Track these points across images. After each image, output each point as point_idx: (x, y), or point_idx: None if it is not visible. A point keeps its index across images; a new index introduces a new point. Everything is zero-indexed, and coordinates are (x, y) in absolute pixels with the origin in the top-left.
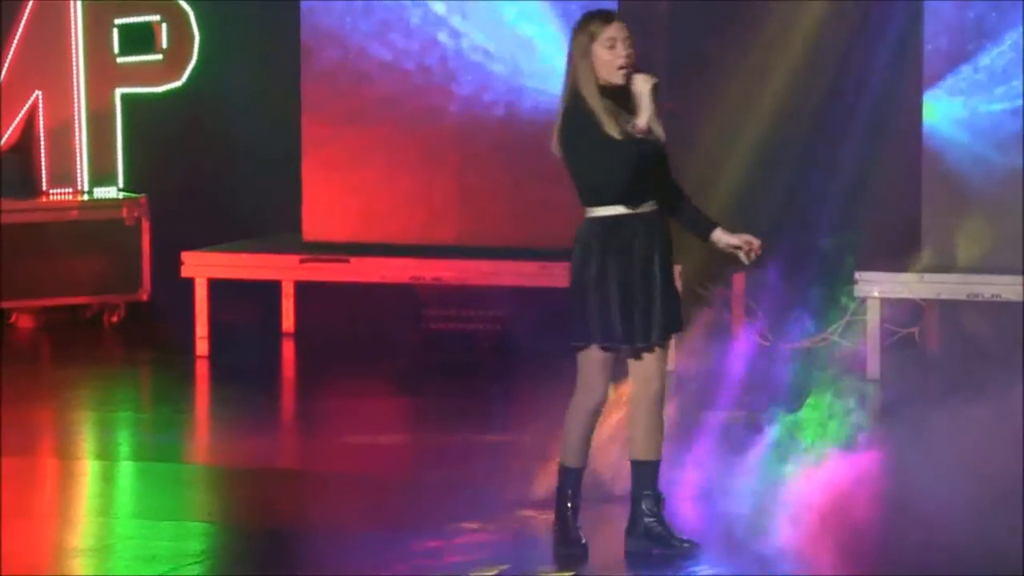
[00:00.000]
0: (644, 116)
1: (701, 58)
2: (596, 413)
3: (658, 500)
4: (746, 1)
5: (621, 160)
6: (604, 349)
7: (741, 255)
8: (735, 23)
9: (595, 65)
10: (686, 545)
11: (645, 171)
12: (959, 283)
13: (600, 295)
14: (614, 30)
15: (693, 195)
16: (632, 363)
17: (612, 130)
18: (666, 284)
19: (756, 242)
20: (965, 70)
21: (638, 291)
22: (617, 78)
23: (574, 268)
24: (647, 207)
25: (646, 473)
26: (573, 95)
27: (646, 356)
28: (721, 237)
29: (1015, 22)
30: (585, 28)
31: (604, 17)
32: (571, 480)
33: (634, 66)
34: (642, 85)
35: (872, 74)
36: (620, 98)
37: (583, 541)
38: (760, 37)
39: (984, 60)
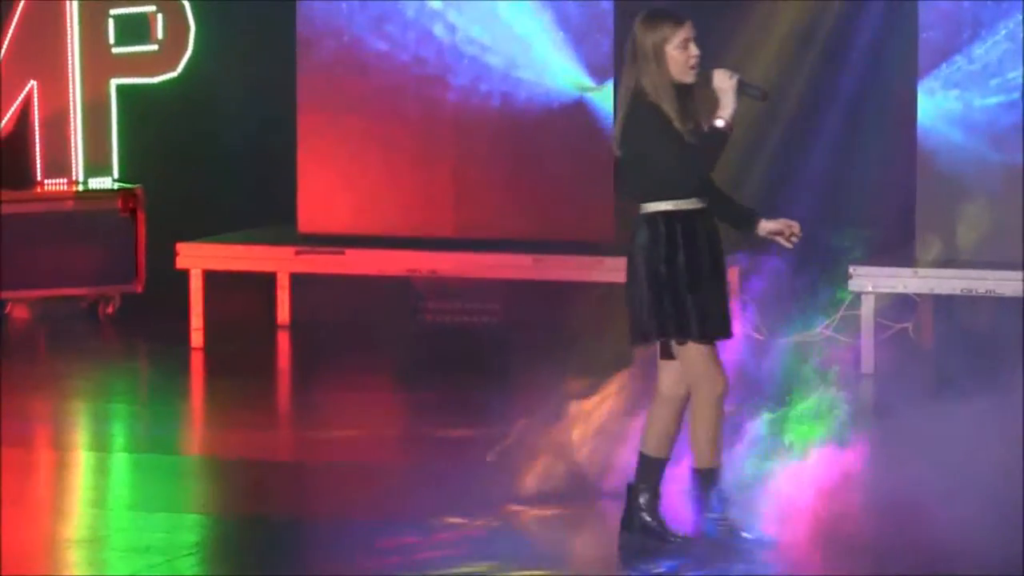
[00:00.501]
0: (728, 111)
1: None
2: (720, 404)
3: (657, 496)
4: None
5: (703, 155)
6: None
7: (782, 240)
8: (724, 19)
9: (669, 66)
10: (679, 539)
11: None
12: (954, 278)
13: (679, 290)
14: (687, 31)
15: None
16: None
17: (683, 128)
18: (724, 281)
19: (795, 225)
20: (959, 60)
21: (707, 284)
22: (688, 77)
23: (648, 263)
24: (704, 203)
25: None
26: (638, 93)
27: (713, 349)
28: (764, 225)
29: (1010, 11)
30: (656, 29)
31: (676, 19)
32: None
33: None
34: (724, 81)
35: (866, 67)
36: (684, 96)
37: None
38: (748, 32)
39: (978, 50)
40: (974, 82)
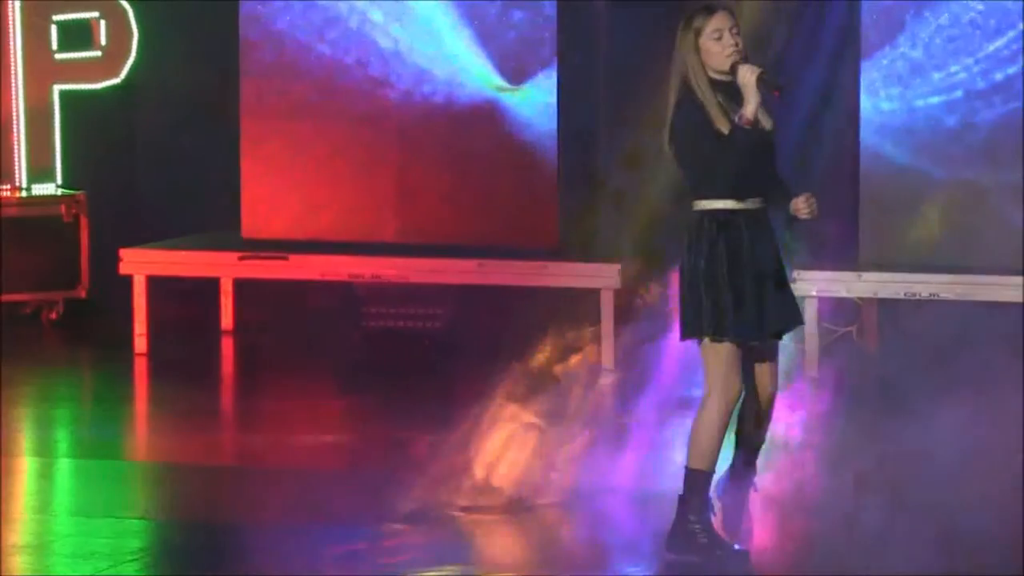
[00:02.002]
0: (750, 107)
1: (639, 58)
2: (728, 410)
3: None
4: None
5: (730, 153)
6: (736, 344)
7: (806, 214)
8: (670, 21)
9: (705, 59)
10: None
11: (755, 164)
12: (897, 282)
13: (715, 288)
14: (718, 20)
15: (635, 197)
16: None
17: (722, 124)
18: (778, 281)
19: (812, 198)
20: (900, 54)
21: (748, 287)
22: (728, 68)
23: (688, 261)
24: (755, 203)
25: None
26: (682, 90)
27: (764, 350)
28: (793, 206)
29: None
30: (690, 24)
31: (707, 9)
32: (706, 484)
33: (743, 54)
34: (747, 76)
35: (809, 69)
36: (732, 90)
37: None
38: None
39: (918, 48)
40: (916, 74)
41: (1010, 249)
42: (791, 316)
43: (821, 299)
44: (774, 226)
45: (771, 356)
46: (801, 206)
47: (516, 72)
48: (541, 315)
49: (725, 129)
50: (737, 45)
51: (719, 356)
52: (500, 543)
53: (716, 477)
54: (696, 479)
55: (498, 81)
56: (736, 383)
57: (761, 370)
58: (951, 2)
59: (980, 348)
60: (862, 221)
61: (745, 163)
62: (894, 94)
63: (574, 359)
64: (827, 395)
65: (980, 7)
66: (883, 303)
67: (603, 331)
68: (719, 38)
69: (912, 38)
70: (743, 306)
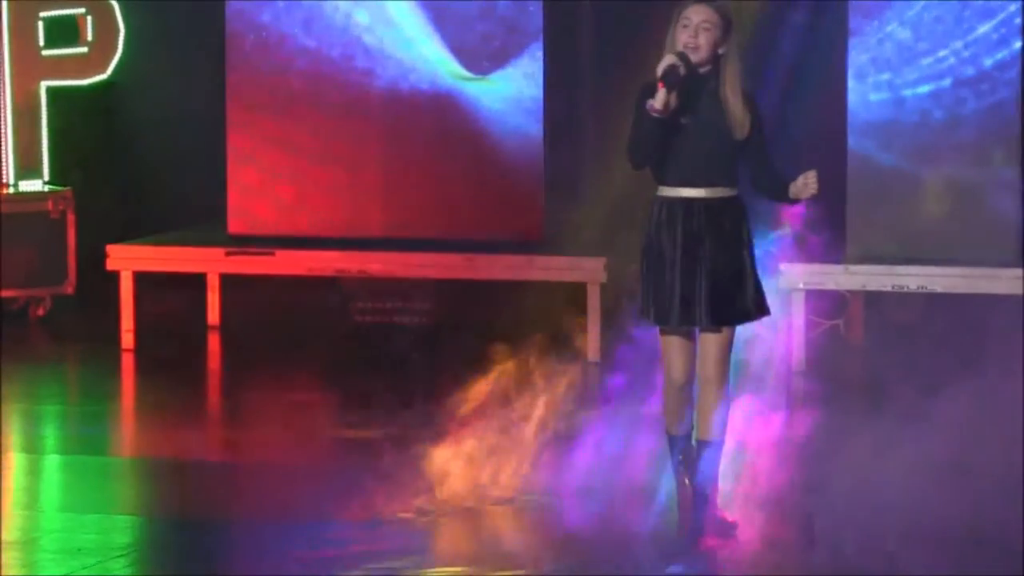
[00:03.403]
0: (657, 98)
1: (625, 50)
2: (683, 389)
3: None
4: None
5: (637, 137)
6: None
7: (808, 192)
8: (656, 13)
9: (675, 43)
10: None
11: (694, 153)
12: (884, 274)
13: (650, 274)
14: (692, 12)
15: (625, 190)
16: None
17: (655, 103)
18: (729, 274)
19: (810, 174)
20: (888, 41)
21: (677, 274)
22: (691, 58)
23: (641, 243)
24: (704, 192)
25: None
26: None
27: (704, 338)
28: (792, 189)
29: None
30: (675, 7)
31: None
32: (675, 446)
33: (702, 51)
34: (658, 67)
35: (798, 60)
36: (702, 88)
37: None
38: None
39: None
40: (905, 60)
41: (998, 242)
42: (737, 311)
43: (808, 292)
44: (746, 220)
45: (712, 347)
46: (800, 187)
47: (501, 65)
48: (527, 309)
49: (650, 112)
50: (695, 38)
51: (662, 342)
52: (485, 539)
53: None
54: (669, 442)
55: (483, 75)
56: (675, 373)
57: (701, 358)
58: None
59: (968, 341)
60: (849, 214)
61: (679, 151)
62: (883, 78)
63: (560, 352)
64: (812, 388)
65: None
66: (870, 296)
67: (589, 324)
68: (686, 26)
69: (900, 20)
70: (665, 292)
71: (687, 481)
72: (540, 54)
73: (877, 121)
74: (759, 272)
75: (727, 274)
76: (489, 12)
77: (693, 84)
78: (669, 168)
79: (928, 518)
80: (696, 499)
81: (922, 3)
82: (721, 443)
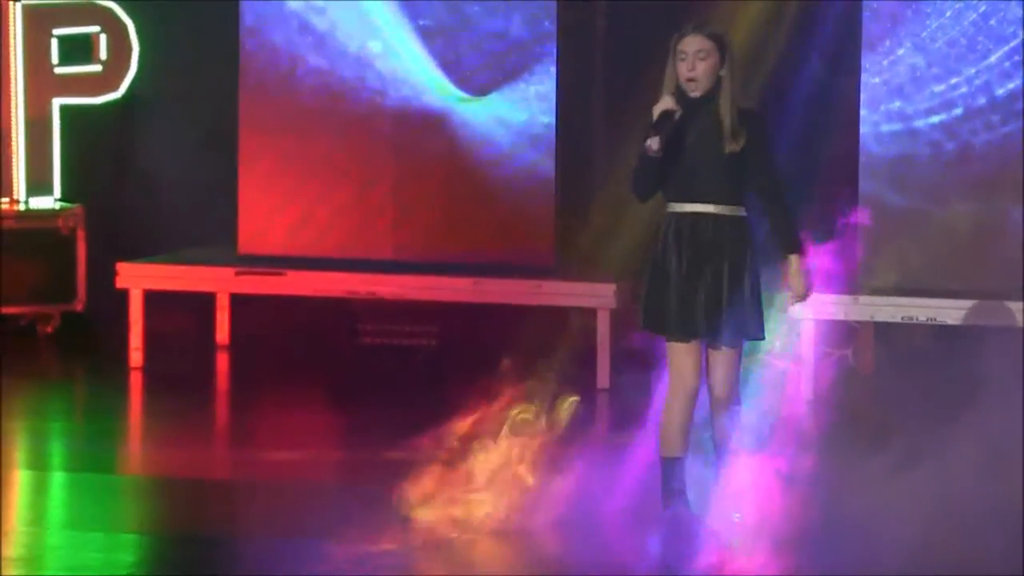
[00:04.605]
0: (653, 141)
1: (637, 77)
2: (692, 398)
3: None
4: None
5: (638, 166)
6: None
7: (792, 293)
8: (667, 40)
9: (674, 77)
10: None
11: (693, 173)
12: (893, 306)
13: (653, 286)
14: (686, 43)
15: (637, 215)
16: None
17: (651, 144)
18: (719, 288)
19: (807, 291)
20: (901, 64)
21: (682, 288)
22: (689, 90)
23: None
24: (708, 208)
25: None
26: None
27: (711, 356)
28: (793, 266)
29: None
30: (672, 40)
31: (683, 30)
32: (675, 470)
33: (702, 81)
34: (656, 108)
35: (810, 81)
36: (695, 108)
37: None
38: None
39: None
40: (917, 87)
41: (1008, 274)
42: (733, 329)
43: (818, 322)
44: (749, 240)
45: (719, 362)
46: (790, 281)
47: (513, 89)
48: (536, 333)
49: (645, 141)
50: (693, 70)
51: (670, 349)
52: (490, 563)
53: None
54: (663, 466)
55: (495, 99)
56: (686, 378)
57: (709, 374)
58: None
59: (976, 373)
60: (860, 246)
61: (684, 168)
62: (894, 111)
63: (568, 379)
64: (820, 417)
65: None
66: (879, 326)
67: (599, 351)
68: (683, 59)
69: (913, 42)
70: (667, 304)
71: (681, 507)
72: (553, 77)
73: (889, 157)
74: (760, 295)
75: (727, 292)
76: (502, 35)
77: (695, 108)
78: (674, 185)
79: (929, 552)
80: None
81: (936, 23)
82: (733, 452)
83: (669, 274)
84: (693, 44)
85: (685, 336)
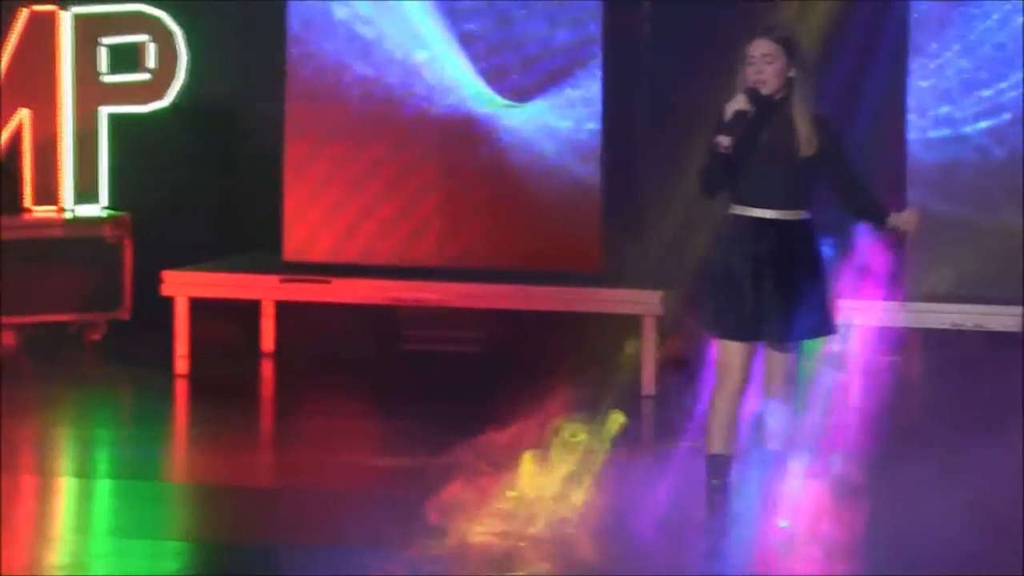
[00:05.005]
0: (724, 137)
1: (683, 84)
2: (736, 397)
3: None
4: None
5: (707, 164)
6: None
7: (906, 227)
8: (714, 48)
9: (745, 81)
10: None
11: (765, 177)
12: (942, 312)
13: (717, 289)
14: (753, 47)
15: (685, 221)
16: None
17: (722, 139)
18: (789, 291)
19: (913, 217)
20: (949, 69)
21: (741, 290)
22: (762, 92)
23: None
24: (775, 213)
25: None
26: None
27: (771, 356)
28: (894, 219)
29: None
30: (742, 45)
31: (751, 34)
32: (718, 467)
33: (769, 84)
34: (729, 107)
35: (855, 86)
36: (774, 112)
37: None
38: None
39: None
40: (965, 91)
41: None
42: (806, 329)
43: (866, 328)
44: (816, 241)
45: (780, 362)
46: (903, 220)
47: (560, 95)
48: (583, 339)
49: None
50: (760, 73)
51: (719, 348)
52: (539, 571)
53: None
54: (708, 463)
55: (541, 105)
56: (733, 376)
57: (768, 374)
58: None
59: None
60: (909, 251)
61: (752, 172)
62: (942, 117)
63: (614, 386)
64: (868, 424)
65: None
66: (927, 333)
67: (644, 357)
68: (751, 63)
69: (961, 44)
70: (734, 308)
71: (718, 505)
72: (599, 84)
73: (937, 162)
74: (827, 293)
75: (797, 293)
76: (548, 41)
77: (767, 111)
78: (742, 188)
79: (976, 560)
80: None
81: (982, 26)
82: (781, 454)
83: (731, 275)
84: (759, 48)
85: (746, 337)
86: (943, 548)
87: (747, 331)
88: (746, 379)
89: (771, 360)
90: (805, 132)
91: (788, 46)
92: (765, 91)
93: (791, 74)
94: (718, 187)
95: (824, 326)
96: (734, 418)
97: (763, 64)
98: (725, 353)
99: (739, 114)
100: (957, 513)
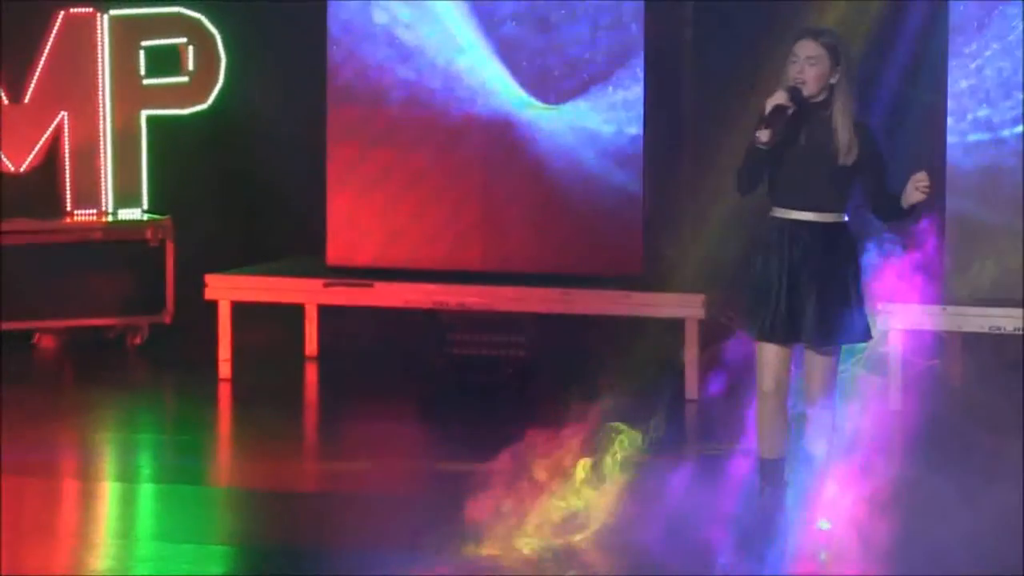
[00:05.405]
0: (764, 132)
1: (726, 88)
2: (774, 400)
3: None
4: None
5: (745, 161)
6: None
7: (919, 195)
8: (756, 51)
9: (787, 78)
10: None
11: (801, 179)
12: (982, 316)
13: (756, 291)
14: (798, 47)
15: (727, 224)
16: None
17: (761, 135)
18: (825, 293)
19: (921, 179)
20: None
21: (782, 292)
22: (803, 91)
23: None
24: (813, 215)
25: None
26: None
27: (810, 358)
28: (906, 199)
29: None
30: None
31: (797, 34)
32: (769, 471)
33: (810, 85)
34: (768, 102)
35: (895, 85)
36: (816, 116)
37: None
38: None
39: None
40: (1003, 95)
41: None
42: (843, 332)
43: (906, 332)
44: (853, 244)
45: (818, 365)
46: (910, 191)
47: (600, 99)
48: (625, 343)
49: (794, 149)
50: (801, 73)
51: (761, 351)
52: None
53: None
54: (759, 467)
55: (583, 109)
56: (769, 379)
57: (808, 376)
58: None
59: None
60: (948, 254)
61: (790, 175)
62: (981, 115)
63: (657, 389)
64: (908, 427)
65: None
66: (967, 336)
67: (687, 361)
68: (794, 62)
69: (1000, 44)
70: (771, 310)
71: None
72: (640, 86)
73: (975, 166)
74: (864, 298)
75: (833, 296)
76: (592, 48)
77: (807, 111)
78: (780, 190)
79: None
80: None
81: (1022, 26)
82: (824, 457)
83: (770, 278)
84: (805, 49)
85: (785, 340)
86: (982, 553)
87: (781, 333)
88: (784, 382)
89: (810, 363)
90: (845, 140)
91: (834, 52)
92: (805, 92)
93: (833, 80)
94: (754, 183)
95: (860, 331)
96: (780, 422)
97: (806, 65)
98: (762, 355)
99: (778, 109)
100: (996, 518)
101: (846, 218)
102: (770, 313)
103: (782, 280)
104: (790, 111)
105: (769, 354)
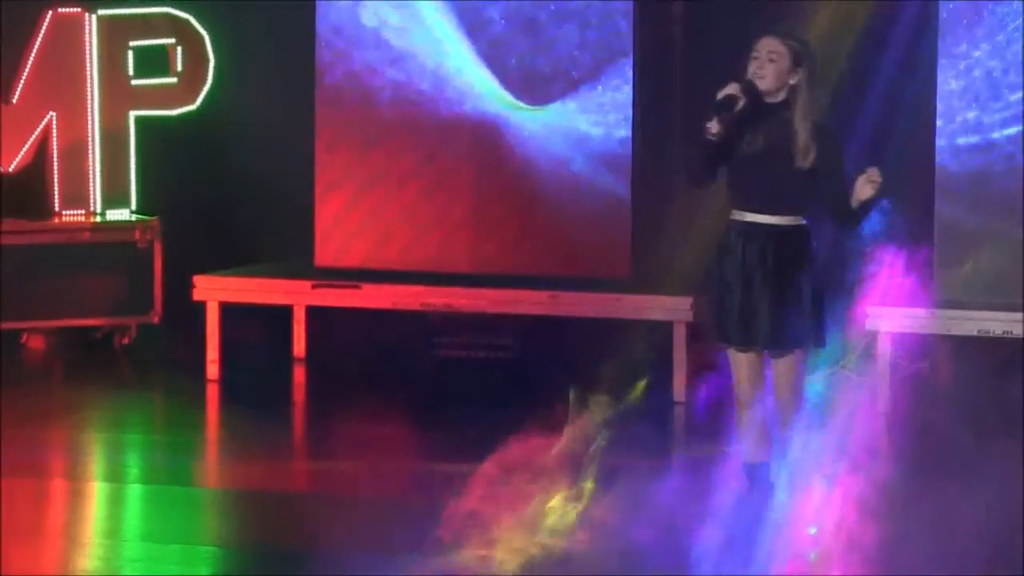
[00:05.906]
0: (713, 122)
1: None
2: (751, 409)
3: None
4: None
5: (692, 155)
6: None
7: (871, 190)
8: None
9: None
10: None
11: (756, 179)
12: (970, 319)
13: (714, 295)
14: (760, 44)
15: (715, 227)
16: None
17: (710, 125)
18: (777, 297)
19: (872, 172)
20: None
21: (739, 297)
22: (759, 86)
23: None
24: (769, 218)
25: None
26: None
27: (774, 364)
28: (856, 197)
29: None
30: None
31: (762, 32)
32: (755, 475)
33: (769, 83)
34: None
35: (883, 86)
36: (775, 116)
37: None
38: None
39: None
40: (992, 96)
41: None
42: (792, 338)
43: (894, 335)
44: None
45: (781, 369)
46: (860, 186)
47: (588, 101)
48: (613, 346)
49: (747, 146)
50: (761, 69)
51: (731, 358)
52: None
53: None
54: (745, 472)
55: (571, 110)
56: (743, 385)
57: (774, 380)
58: None
59: None
60: (936, 257)
61: (747, 177)
62: (970, 117)
63: (645, 392)
64: (895, 430)
65: None
66: (955, 340)
67: (675, 363)
68: (755, 57)
69: (990, 44)
70: (726, 313)
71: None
72: (629, 85)
73: (964, 169)
74: (822, 303)
75: (785, 300)
76: (580, 50)
77: (765, 111)
78: (737, 192)
79: (1004, 568)
80: None
81: (1012, 26)
82: (787, 460)
83: (728, 283)
84: (767, 45)
85: (744, 345)
86: (969, 555)
87: (737, 336)
88: (755, 386)
89: (775, 368)
90: (803, 141)
91: (795, 52)
92: (762, 87)
93: (793, 81)
94: (705, 175)
95: (812, 338)
96: (760, 425)
97: (767, 60)
98: (734, 362)
99: (728, 99)
100: (983, 520)
101: (804, 222)
102: (727, 317)
103: (736, 282)
104: (741, 102)
105: (740, 360)
